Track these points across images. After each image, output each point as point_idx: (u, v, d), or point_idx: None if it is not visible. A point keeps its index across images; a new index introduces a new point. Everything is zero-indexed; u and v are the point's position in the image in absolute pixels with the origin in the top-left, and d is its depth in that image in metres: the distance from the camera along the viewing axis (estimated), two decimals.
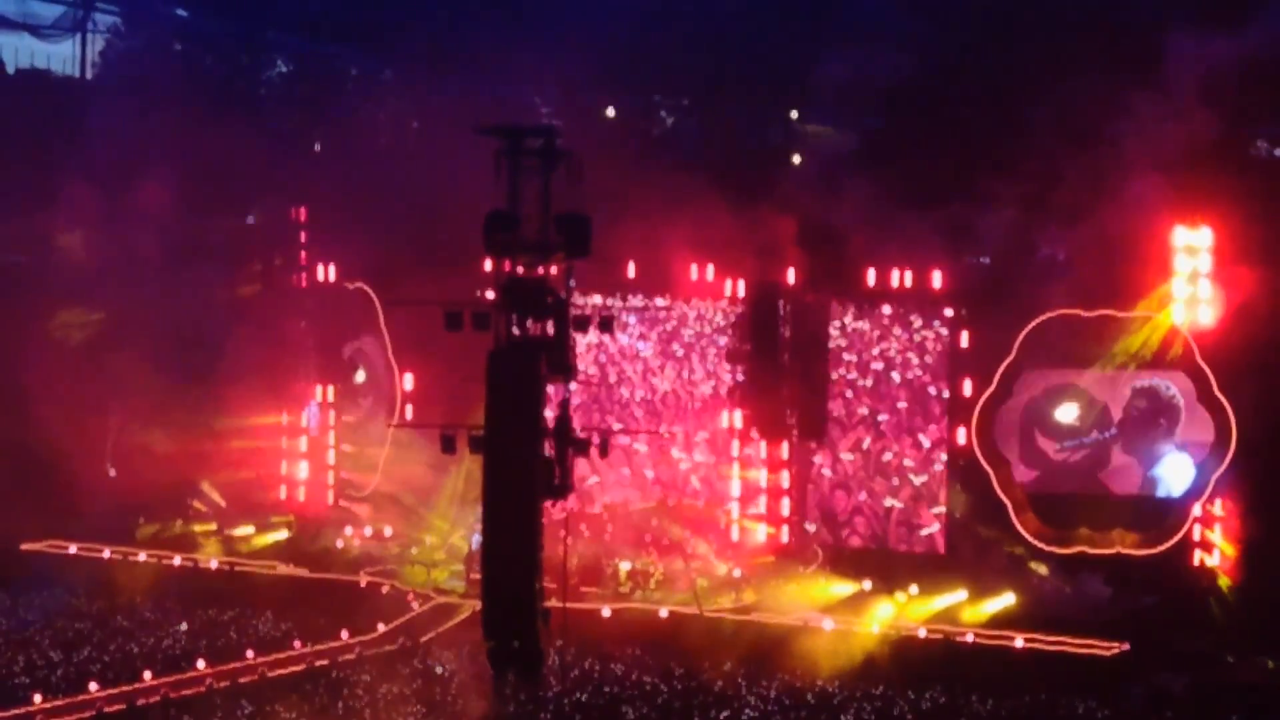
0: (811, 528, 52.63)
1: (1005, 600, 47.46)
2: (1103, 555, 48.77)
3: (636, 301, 54.54)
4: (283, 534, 56.90)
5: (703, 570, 50.74)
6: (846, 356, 52.35)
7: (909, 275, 50.80)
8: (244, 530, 56.37)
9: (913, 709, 40.53)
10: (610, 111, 59.39)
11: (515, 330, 28.81)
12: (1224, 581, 47.70)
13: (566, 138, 29.71)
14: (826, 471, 52.67)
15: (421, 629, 47.19)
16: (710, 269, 53.08)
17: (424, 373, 55.62)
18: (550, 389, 30.25)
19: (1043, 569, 49.06)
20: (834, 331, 52.47)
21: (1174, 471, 49.04)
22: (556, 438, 28.98)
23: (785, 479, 52.68)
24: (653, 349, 55.01)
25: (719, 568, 51.27)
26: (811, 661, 43.46)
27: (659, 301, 54.74)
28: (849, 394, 52.33)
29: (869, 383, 52.12)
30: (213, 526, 56.47)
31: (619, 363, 55.38)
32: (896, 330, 51.78)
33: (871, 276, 51.20)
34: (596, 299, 52.95)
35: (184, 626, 47.19)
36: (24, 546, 54.00)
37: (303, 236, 59.74)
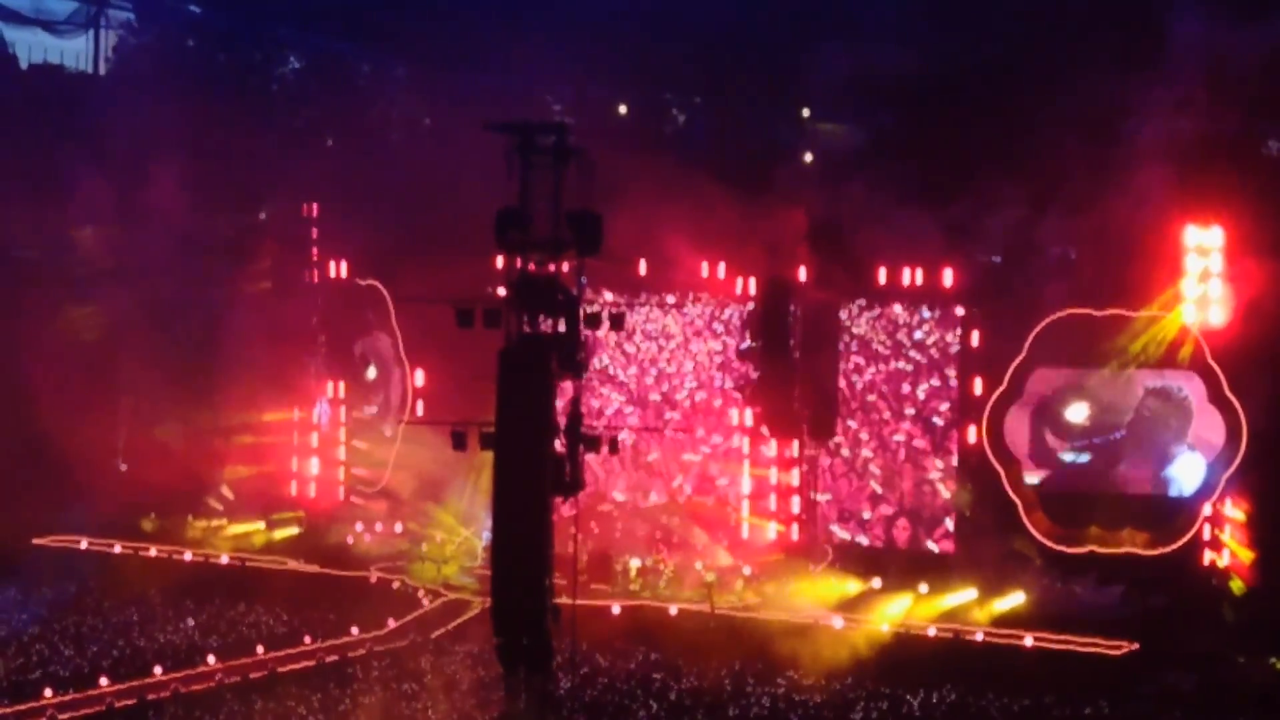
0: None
1: (1015, 599, 47.45)
2: (1113, 554, 48.75)
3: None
4: (293, 530, 56.96)
5: (712, 568, 50.73)
6: (856, 355, 52.33)
7: (920, 274, 50.79)
8: (255, 526, 56.43)
9: (922, 707, 40.55)
10: (622, 109, 59.43)
11: (526, 327, 28.83)
12: (1236, 584, 47.68)
13: (578, 135, 29.65)
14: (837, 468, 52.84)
15: (431, 625, 47.26)
16: (721, 267, 53.08)
17: (435, 369, 55.65)
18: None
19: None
20: (844, 329, 52.44)
21: (1186, 471, 49.04)
22: (567, 435, 28.98)
23: (795, 477, 52.66)
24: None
25: (728, 565, 51.24)
26: (821, 660, 43.49)
27: (670, 299, 54.74)
28: (859, 391, 52.32)
29: (879, 380, 52.10)
30: (223, 522, 56.55)
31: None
32: (907, 328, 51.75)
33: (882, 275, 51.18)
34: (608, 296, 53.01)
35: (193, 622, 47.27)
36: (35, 541, 54.06)
37: (314, 233, 59.77)
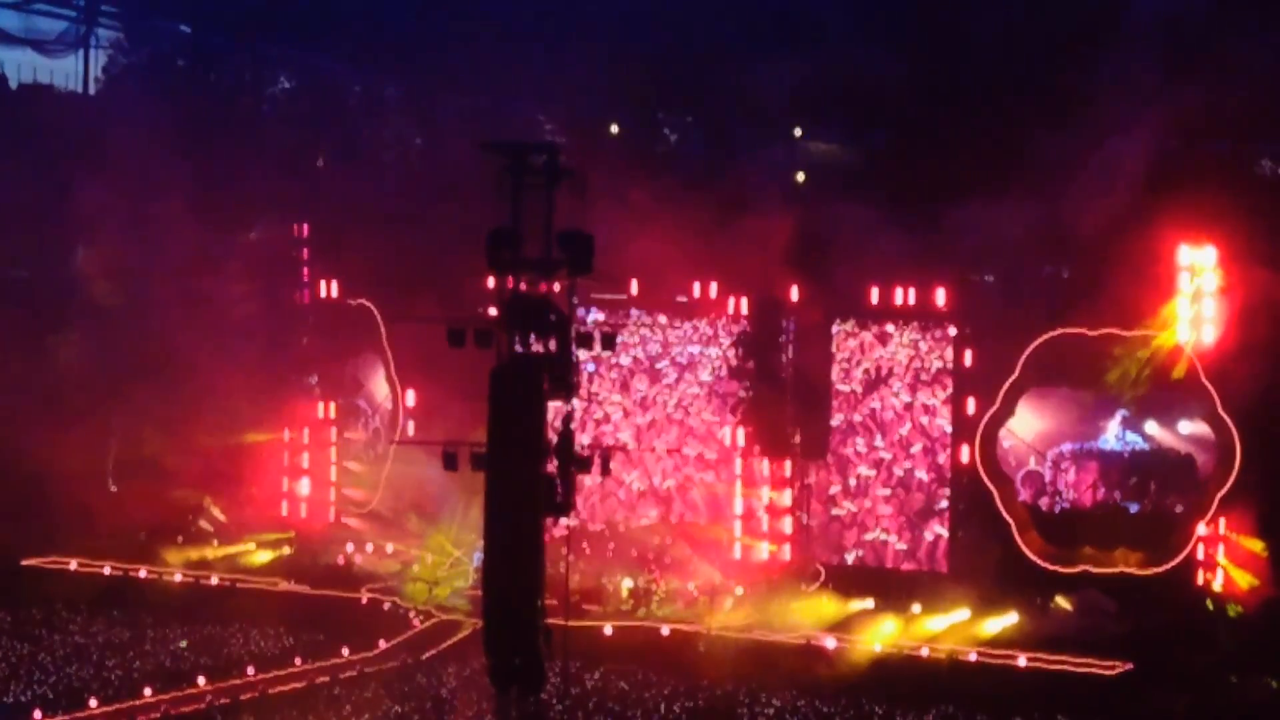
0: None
1: (1008, 619, 47.37)
2: (1106, 574, 48.66)
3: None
4: (284, 550, 56.81)
5: (705, 589, 50.65)
6: (849, 375, 52.26)
7: (913, 293, 50.73)
8: (245, 546, 56.30)
9: None
10: (614, 128, 59.38)
11: (518, 347, 28.76)
12: (1232, 607, 47.60)
13: (570, 155, 29.67)
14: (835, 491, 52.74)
15: (422, 646, 47.14)
16: (713, 286, 53.05)
17: (426, 389, 55.56)
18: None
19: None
20: (837, 349, 52.34)
21: None
22: (559, 455, 28.91)
23: (787, 497, 52.55)
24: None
25: (720, 585, 51.15)
26: (814, 680, 43.42)
27: (661, 319, 54.62)
28: (851, 411, 52.23)
29: (871, 401, 52.02)
30: (214, 543, 56.42)
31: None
32: (899, 348, 51.67)
33: (875, 294, 51.13)
34: (599, 315, 53.00)
35: (184, 643, 47.15)
36: (24, 562, 53.94)
37: (305, 253, 59.67)
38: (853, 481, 52.28)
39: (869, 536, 52.00)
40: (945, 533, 51.13)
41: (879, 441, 51.98)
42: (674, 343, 54.81)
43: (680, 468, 54.61)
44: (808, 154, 58.03)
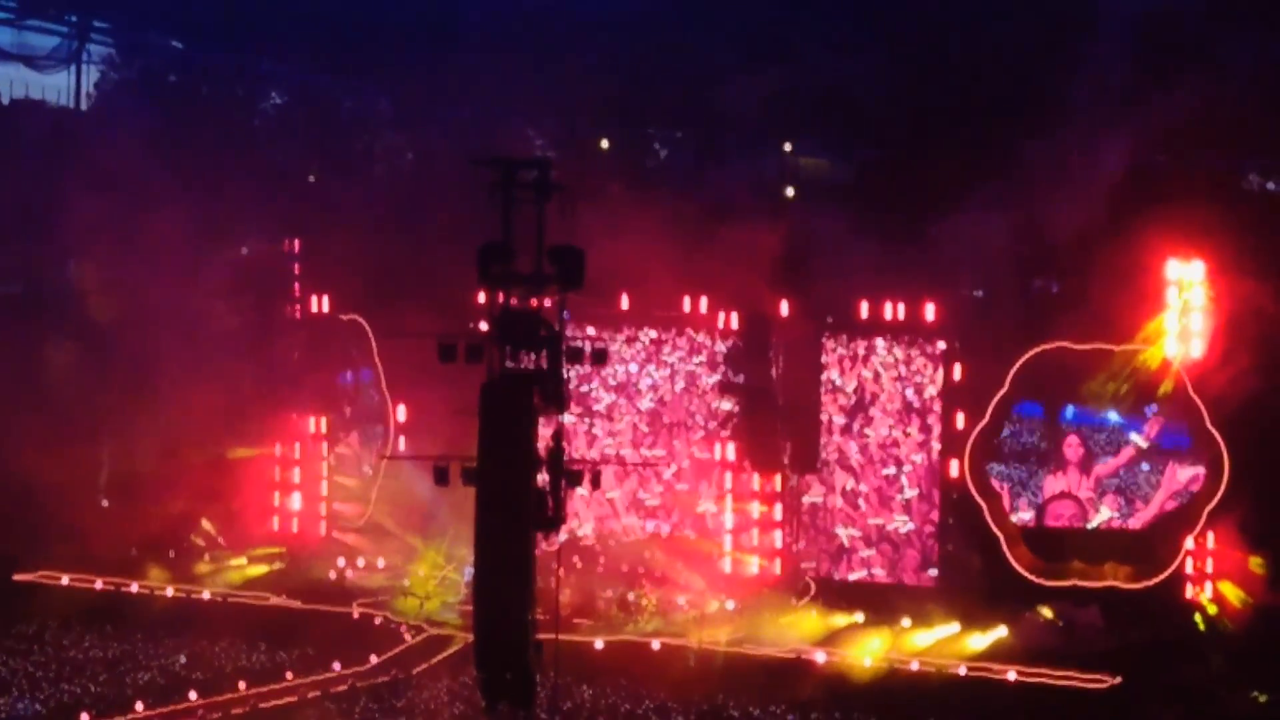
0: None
1: (998, 634, 47.43)
2: (1095, 588, 48.76)
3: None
4: (276, 565, 56.78)
5: (695, 603, 50.68)
6: (838, 389, 52.32)
7: (902, 308, 50.86)
8: (237, 561, 56.25)
9: None
10: (604, 144, 59.48)
11: (508, 362, 28.80)
12: (1222, 622, 47.70)
13: (561, 170, 29.72)
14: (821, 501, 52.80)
15: (414, 661, 47.14)
16: (703, 301, 53.15)
17: (417, 404, 55.54)
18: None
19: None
20: (827, 364, 52.40)
21: None
22: (549, 469, 28.94)
23: (778, 511, 52.60)
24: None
25: (710, 599, 51.20)
26: (804, 695, 43.43)
27: (652, 333, 54.67)
28: (841, 426, 52.28)
29: (861, 415, 52.07)
30: (206, 558, 56.39)
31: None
32: (889, 363, 51.74)
33: (864, 309, 51.23)
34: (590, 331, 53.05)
35: (175, 658, 47.11)
36: (16, 577, 53.86)
37: (296, 268, 59.66)
38: (842, 493, 52.32)
39: (856, 548, 52.13)
40: (934, 547, 51.19)
41: (868, 453, 52.02)
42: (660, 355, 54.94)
43: (670, 481, 54.67)
44: (797, 169, 58.20)
